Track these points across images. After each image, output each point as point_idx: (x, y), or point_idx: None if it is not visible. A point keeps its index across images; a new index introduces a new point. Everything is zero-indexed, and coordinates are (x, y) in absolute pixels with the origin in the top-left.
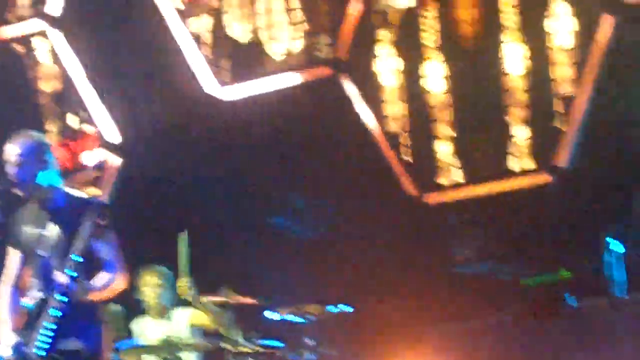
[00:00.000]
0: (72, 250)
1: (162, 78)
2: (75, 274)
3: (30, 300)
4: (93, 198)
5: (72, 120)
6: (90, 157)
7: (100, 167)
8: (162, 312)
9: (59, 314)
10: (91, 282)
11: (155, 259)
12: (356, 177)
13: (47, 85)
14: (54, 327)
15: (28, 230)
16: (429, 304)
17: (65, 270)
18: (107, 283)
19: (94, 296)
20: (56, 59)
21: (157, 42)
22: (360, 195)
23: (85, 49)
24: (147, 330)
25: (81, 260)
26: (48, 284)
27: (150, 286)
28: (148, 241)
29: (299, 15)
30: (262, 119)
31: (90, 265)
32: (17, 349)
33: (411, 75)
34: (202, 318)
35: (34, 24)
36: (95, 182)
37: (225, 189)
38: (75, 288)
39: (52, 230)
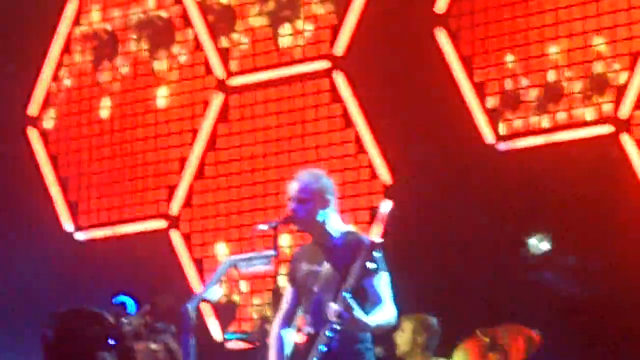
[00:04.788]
0: (344, 287)
1: (440, 125)
2: (344, 311)
3: (300, 335)
4: (367, 237)
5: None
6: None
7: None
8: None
9: (326, 349)
10: (361, 317)
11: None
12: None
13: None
14: None
15: (305, 267)
16: None
17: (335, 307)
18: (377, 320)
19: (361, 329)
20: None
21: (439, 89)
22: None
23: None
24: None
25: (350, 297)
26: (318, 320)
27: (409, 333)
28: (416, 285)
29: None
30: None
31: (361, 303)
32: None
33: None
34: None
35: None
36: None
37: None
38: (344, 324)
39: (327, 268)
